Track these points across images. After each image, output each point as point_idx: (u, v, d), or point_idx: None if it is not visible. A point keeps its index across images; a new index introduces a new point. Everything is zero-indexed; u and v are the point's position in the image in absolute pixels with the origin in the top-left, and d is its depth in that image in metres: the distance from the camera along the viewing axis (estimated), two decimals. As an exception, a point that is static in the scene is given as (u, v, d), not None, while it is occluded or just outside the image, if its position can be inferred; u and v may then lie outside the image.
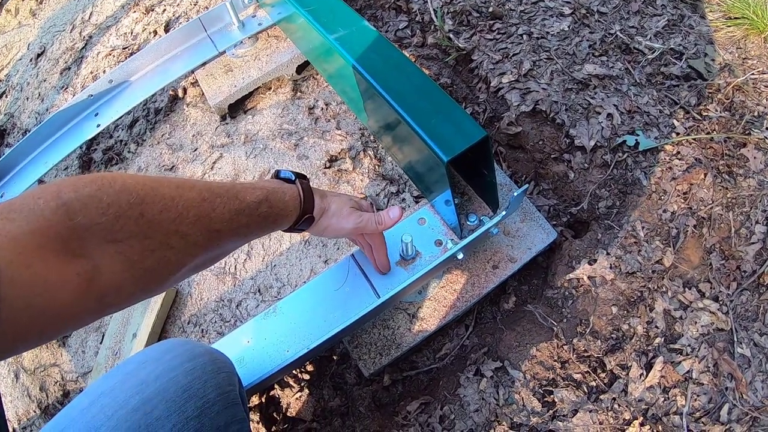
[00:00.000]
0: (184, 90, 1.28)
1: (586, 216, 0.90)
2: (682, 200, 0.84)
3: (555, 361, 0.76)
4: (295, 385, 0.85)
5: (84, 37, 1.57)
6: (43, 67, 1.60)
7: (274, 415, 0.84)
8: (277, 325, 0.76)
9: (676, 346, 0.73)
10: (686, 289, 0.78)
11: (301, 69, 1.20)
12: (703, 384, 0.70)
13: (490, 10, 1.12)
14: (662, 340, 0.74)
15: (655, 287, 0.78)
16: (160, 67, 1.17)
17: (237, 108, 1.20)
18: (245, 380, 0.67)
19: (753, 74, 0.96)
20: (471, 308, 0.83)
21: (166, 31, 1.42)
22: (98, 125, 1.14)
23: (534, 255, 0.82)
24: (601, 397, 0.72)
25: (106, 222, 0.38)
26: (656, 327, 0.75)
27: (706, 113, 0.93)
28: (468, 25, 1.13)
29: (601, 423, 0.70)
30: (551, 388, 0.74)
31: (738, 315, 0.75)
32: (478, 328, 0.85)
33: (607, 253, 0.82)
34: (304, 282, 0.90)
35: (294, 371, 0.86)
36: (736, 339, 0.73)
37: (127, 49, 1.44)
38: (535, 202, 0.93)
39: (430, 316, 0.79)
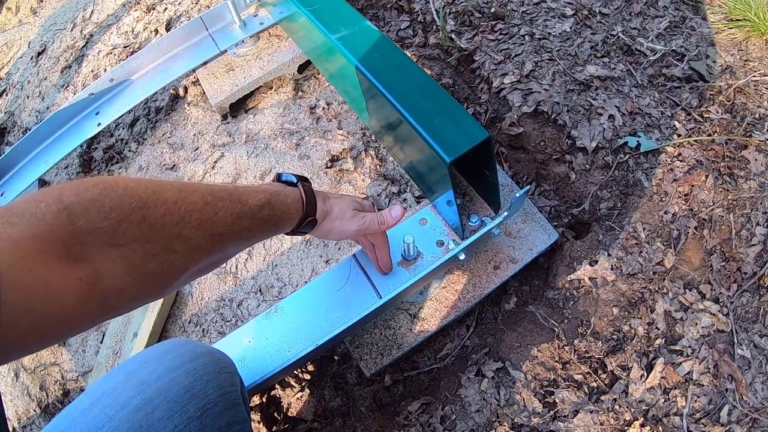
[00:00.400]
0: (185, 89, 1.28)
1: (588, 217, 0.90)
2: (683, 202, 0.85)
3: (556, 361, 0.76)
4: (296, 385, 0.85)
5: (85, 35, 1.57)
6: (44, 65, 1.60)
7: (275, 415, 0.84)
8: (278, 325, 0.76)
9: (677, 348, 0.74)
10: (687, 290, 0.78)
11: (302, 68, 1.20)
12: (703, 385, 0.71)
13: (492, 10, 1.12)
14: (663, 341, 0.74)
15: (656, 288, 0.78)
16: (161, 66, 1.17)
17: (238, 107, 1.20)
18: (246, 380, 0.67)
19: (754, 76, 0.96)
20: (472, 309, 0.83)
21: (168, 29, 1.42)
22: (99, 124, 1.13)
23: (535, 256, 0.82)
24: (602, 397, 0.72)
25: (108, 226, 0.37)
26: (657, 328, 0.76)
27: (707, 115, 0.93)
28: (470, 26, 1.13)
29: (601, 424, 0.70)
30: (552, 389, 0.74)
31: (738, 316, 0.75)
32: (479, 328, 0.85)
33: (608, 255, 0.82)
34: (306, 282, 0.91)
35: (295, 371, 0.86)
36: (736, 340, 0.73)
37: (128, 48, 1.44)
38: (536, 202, 0.93)
39: (432, 316, 0.79)
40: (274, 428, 0.83)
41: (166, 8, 1.48)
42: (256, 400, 0.84)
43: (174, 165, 1.15)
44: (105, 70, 1.42)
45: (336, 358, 0.87)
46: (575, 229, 0.92)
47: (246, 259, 0.97)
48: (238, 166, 1.09)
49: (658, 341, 0.74)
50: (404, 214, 0.68)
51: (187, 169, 1.13)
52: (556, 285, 0.83)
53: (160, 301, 0.93)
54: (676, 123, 0.93)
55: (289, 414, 0.84)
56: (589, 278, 0.81)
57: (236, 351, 0.74)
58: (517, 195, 0.66)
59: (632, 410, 0.70)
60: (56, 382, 1.01)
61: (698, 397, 0.70)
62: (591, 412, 0.70)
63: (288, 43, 1.19)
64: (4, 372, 1.08)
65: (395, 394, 0.83)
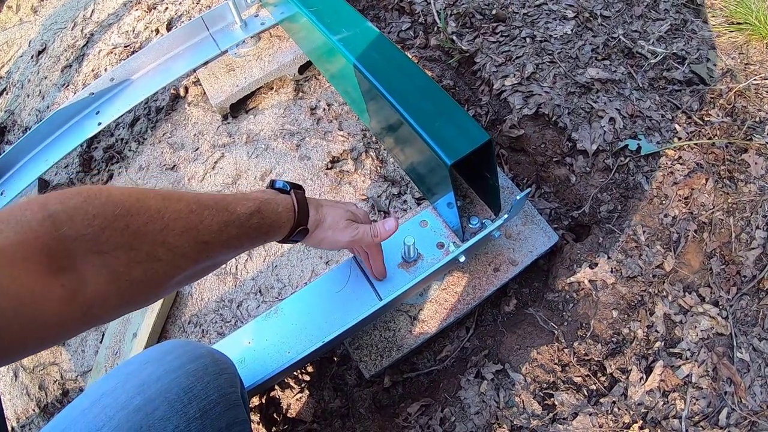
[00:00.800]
0: (186, 89, 1.28)
1: (588, 220, 0.90)
2: (683, 205, 0.85)
3: (555, 364, 0.77)
4: (295, 386, 0.85)
5: (85, 34, 1.57)
6: (44, 64, 1.59)
7: (275, 416, 0.84)
8: (278, 326, 0.76)
9: (676, 351, 0.74)
10: (686, 293, 0.78)
11: (303, 69, 1.20)
12: (702, 388, 0.71)
13: (494, 12, 1.12)
14: (662, 344, 0.75)
15: (656, 291, 0.78)
16: (161, 66, 1.17)
17: (239, 108, 1.20)
18: (246, 381, 0.67)
19: (755, 80, 0.96)
20: (472, 311, 0.83)
21: (168, 29, 1.42)
22: (99, 123, 1.13)
23: (535, 258, 0.82)
24: (601, 400, 0.72)
25: (92, 233, 0.38)
26: (656, 331, 0.76)
27: (707, 118, 0.93)
28: (471, 28, 1.13)
29: (600, 426, 0.70)
30: (551, 391, 0.74)
31: (737, 320, 0.75)
32: (478, 330, 0.85)
33: (608, 257, 0.82)
34: (306, 283, 0.91)
35: (294, 372, 0.86)
36: (735, 344, 0.73)
37: (128, 48, 1.44)
38: (536, 205, 0.93)
39: (431, 318, 0.79)
40: (274, 429, 0.83)
41: (167, 8, 1.48)
42: (255, 401, 0.84)
43: (174, 165, 1.15)
44: (105, 69, 1.42)
45: (335, 359, 0.87)
46: (575, 231, 0.92)
47: (246, 260, 0.97)
48: (239, 167, 1.08)
49: (657, 344, 0.75)
50: (398, 227, 0.67)
51: (187, 169, 1.13)
52: (555, 287, 0.83)
53: (160, 301, 0.93)
54: (677, 126, 0.93)
55: (288, 415, 0.84)
56: (589, 281, 0.81)
57: (236, 352, 0.74)
58: (518, 197, 0.66)
59: (631, 413, 0.70)
60: (55, 381, 1.01)
61: (697, 400, 0.70)
62: (590, 415, 0.71)
63: (289, 44, 1.19)
64: (3, 371, 1.08)
65: (394, 395, 0.83)
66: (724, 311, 0.76)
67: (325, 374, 0.86)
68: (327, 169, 1.03)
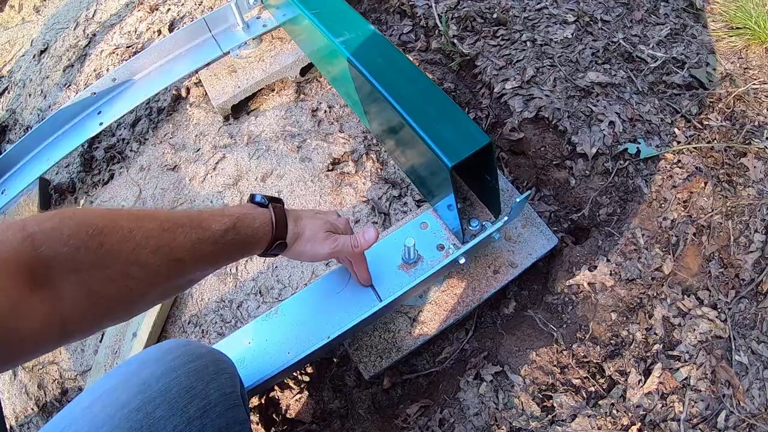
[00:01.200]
0: (188, 90, 1.29)
1: (587, 222, 0.91)
2: (682, 208, 0.85)
3: (554, 366, 0.77)
4: (294, 386, 0.85)
5: (88, 34, 1.57)
6: (46, 64, 1.60)
7: (274, 416, 0.84)
8: (278, 327, 0.76)
9: (675, 353, 0.74)
10: (685, 296, 0.78)
11: (304, 71, 1.20)
12: (700, 391, 0.71)
13: (495, 16, 1.12)
14: (661, 346, 0.75)
15: (655, 294, 0.79)
16: (163, 67, 1.18)
17: (240, 109, 1.21)
18: (246, 381, 0.67)
19: (754, 84, 0.97)
20: (471, 313, 0.83)
21: (171, 30, 1.42)
22: (101, 123, 1.14)
23: (535, 260, 0.82)
24: (600, 402, 0.72)
25: (68, 252, 0.40)
26: (655, 334, 0.76)
27: (707, 122, 0.94)
28: (472, 31, 1.14)
29: (599, 428, 0.70)
30: (550, 393, 0.74)
31: (736, 323, 0.75)
32: (478, 332, 0.86)
33: (608, 260, 0.82)
34: (306, 284, 0.91)
35: (294, 373, 0.86)
36: (733, 346, 0.73)
37: (130, 48, 1.44)
38: (536, 208, 0.93)
39: (431, 320, 0.79)
40: (273, 429, 0.83)
41: (169, 9, 1.49)
42: (254, 401, 0.84)
43: (175, 165, 1.15)
44: (107, 69, 1.42)
45: (335, 360, 0.87)
46: (575, 234, 0.92)
47: (246, 261, 0.97)
48: (240, 168, 1.09)
49: (656, 347, 0.75)
50: (378, 236, 0.68)
51: (188, 170, 1.13)
52: (555, 290, 0.84)
53: (160, 301, 0.93)
54: (676, 130, 0.93)
55: (287, 415, 0.84)
56: (588, 283, 0.81)
57: (236, 352, 0.74)
58: (518, 200, 0.67)
59: (630, 415, 0.70)
60: (54, 380, 1.01)
61: (696, 402, 0.70)
62: (589, 417, 0.71)
63: (290, 46, 1.20)
64: (3, 370, 1.07)
65: (394, 396, 0.83)
66: (722, 314, 0.76)
67: (325, 375, 0.86)
68: (328, 170, 1.03)
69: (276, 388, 0.86)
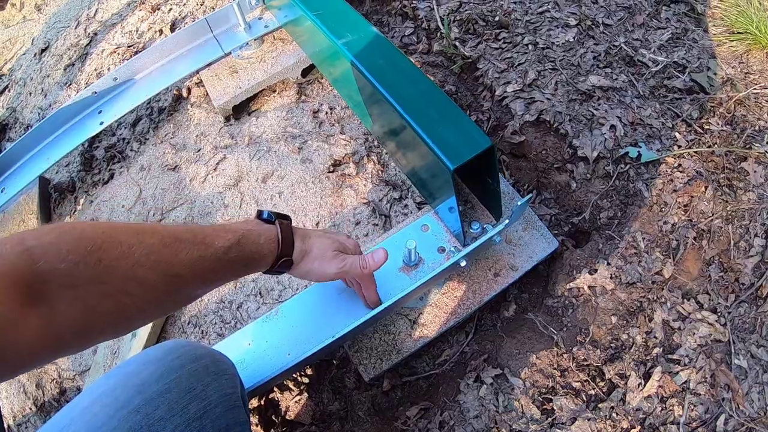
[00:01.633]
0: (189, 90, 1.29)
1: (588, 226, 0.91)
2: (683, 212, 0.85)
3: (554, 369, 0.77)
4: (294, 388, 0.85)
5: (89, 33, 1.57)
6: (47, 62, 1.60)
7: (273, 418, 0.84)
8: (278, 328, 0.76)
9: (674, 357, 0.74)
10: (685, 300, 0.78)
11: (306, 72, 1.20)
12: (700, 394, 0.71)
13: (497, 19, 1.13)
14: (661, 350, 0.75)
15: (655, 298, 0.79)
16: (164, 67, 1.18)
17: (241, 109, 1.21)
18: (246, 383, 0.67)
19: (755, 89, 0.97)
20: (471, 315, 0.83)
21: (172, 30, 1.42)
22: (101, 123, 1.14)
23: (535, 264, 0.82)
24: (600, 405, 0.72)
25: (66, 268, 0.40)
26: (655, 337, 0.76)
27: (707, 126, 0.94)
28: (474, 34, 1.14)
29: (599, 431, 0.70)
30: (550, 396, 0.74)
31: (735, 327, 0.76)
32: (478, 335, 0.86)
33: (608, 263, 0.82)
34: (306, 286, 0.91)
35: (294, 374, 0.86)
36: (733, 350, 0.74)
37: (132, 48, 1.44)
38: (537, 211, 0.93)
39: (431, 322, 0.79)
40: (272, 431, 0.82)
41: (171, 9, 1.49)
42: (254, 402, 0.84)
43: (176, 166, 1.15)
44: (108, 69, 1.42)
45: (335, 362, 0.87)
46: (575, 237, 0.92)
47: (246, 261, 0.97)
48: (240, 169, 1.09)
49: (655, 350, 0.75)
50: (387, 258, 0.66)
51: (189, 170, 1.13)
52: (555, 293, 0.84)
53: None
54: (677, 134, 0.94)
55: (287, 417, 0.83)
56: (589, 287, 0.81)
57: (236, 353, 0.74)
58: (519, 203, 0.67)
59: (629, 418, 0.70)
60: (53, 380, 1.00)
61: (695, 406, 0.70)
62: (589, 420, 0.71)
63: (292, 47, 1.20)
64: (1, 370, 1.07)
65: (393, 399, 0.83)
66: (722, 318, 0.76)
67: (324, 377, 0.86)
68: (329, 172, 1.03)
69: (275, 389, 0.86)
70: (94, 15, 1.64)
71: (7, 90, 1.65)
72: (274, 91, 1.22)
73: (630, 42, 1.07)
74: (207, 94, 1.23)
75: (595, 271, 0.82)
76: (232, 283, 0.95)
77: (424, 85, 0.75)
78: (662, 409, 0.71)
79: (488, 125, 1.04)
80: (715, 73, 1.02)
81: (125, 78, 1.16)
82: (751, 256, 0.80)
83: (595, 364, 0.76)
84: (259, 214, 0.61)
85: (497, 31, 1.12)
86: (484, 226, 0.82)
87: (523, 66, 1.04)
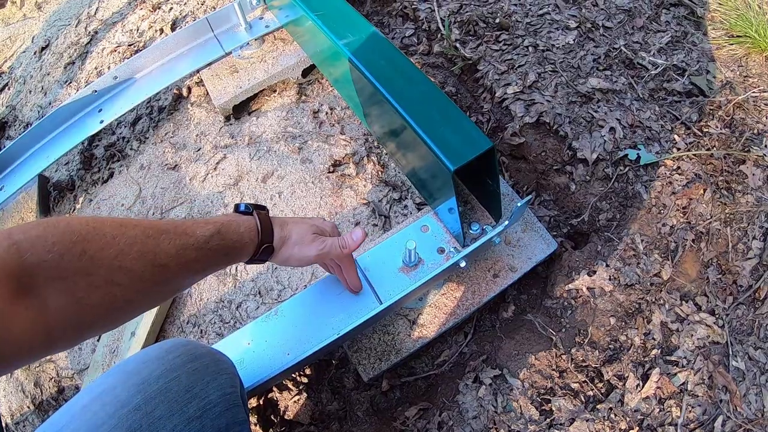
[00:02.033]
0: (189, 89, 1.29)
1: (587, 228, 0.91)
2: (681, 214, 0.86)
3: (553, 370, 0.77)
4: (293, 388, 0.85)
5: (89, 32, 1.57)
6: (47, 60, 1.60)
7: (272, 417, 0.84)
8: (278, 328, 0.76)
9: (673, 358, 0.74)
10: (683, 302, 0.79)
11: (306, 72, 1.20)
12: (697, 396, 0.71)
13: (497, 21, 1.13)
14: (659, 351, 0.75)
15: (653, 299, 0.79)
16: (165, 66, 1.18)
17: (241, 109, 1.21)
18: (245, 382, 0.67)
19: (754, 92, 0.98)
20: (471, 316, 0.84)
21: (173, 29, 1.42)
22: (101, 121, 1.14)
23: (534, 265, 0.82)
24: (598, 406, 0.72)
25: (52, 259, 0.40)
26: (653, 339, 0.76)
27: (706, 129, 0.94)
28: (474, 35, 1.14)
29: (597, 433, 0.70)
30: (549, 397, 0.74)
31: (733, 329, 0.76)
32: (477, 335, 0.86)
33: (607, 265, 0.83)
34: (305, 285, 0.91)
35: (293, 374, 0.86)
36: (731, 352, 0.74)
37: (132, 46, 1.44)
38: (536, 212, 0.94)
39: (430, 322, 0.79)
40: (271, 431, 0.82)
41: (171, 8, 1.49)
42: (253, 402, 0.84)
43: (176, 165, 1.15)
44: (109, 67, 1.42)
45: (334, 362, 0.87)
46: (574, 239, 0.93)
47: (246, 261, 0.97)
48: (240, 168, 1.09)
49: (654, 352, 0.75)
50: (365, 237, 0.68)
51: (188, 170, 1.13)
52: (554, 294, 0.84)
53: (159, 300, 0.93)
54: (676, 137, 0.94)
55: (285, 417, 0.83)
56: (587, 288, 0.82)
57: (235, 353, 0.74)
58: (519, 204, 0.67)
59: (628, 419, 0.71)
60: (51, 379, 1.00)
61: (693, 407, 0.71)
62: (587, 421, 0.71)
63: (293, 47, 1.20)
64: (-1, 368, 1.07)
65: (392, 399, 0.83)
66: (720, 320, 0.76)
67: (323, 377, 0.86)
68: (328, 172, 1.04)
69: (274, 389, 0.86)
70: (95, 13, 1.64)
71: (6, 88, 1.64)
72: (275, 91, 1.22)
73: (630, 45, 1.08)
74: (207, 93, 1.23)
75: (594, 272, 0.82)
76: (231, 282, 0.95)
77: (425, 86, 0.75)
78: (660, 411, 0.71)
79: (488, 127, 1.05)
80: (714, 76, 1.02)
81: (125, 77, 1.16)
82: (749, 258, 0.80)
83: (593, 365, 0.76)
84: (237, 207, 0.63)
85: (498, 32, 1.12)
86: (484, 227, 0.82)
87: (523, 68, 1.04)
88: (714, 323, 0.76)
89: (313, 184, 1.03)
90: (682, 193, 0.87)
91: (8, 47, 1.79)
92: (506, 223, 0.72)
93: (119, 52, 1.45)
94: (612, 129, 0.94)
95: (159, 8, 1.51)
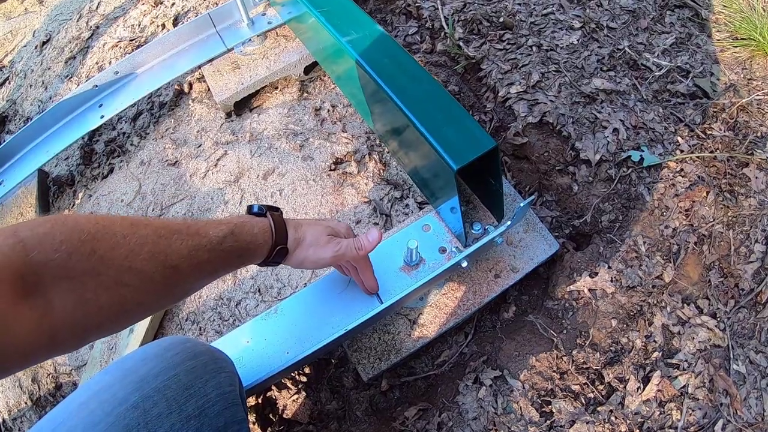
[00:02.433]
0: (190, 85, 1.28)
1: (589, 229, 0.91)
2: (684, 217, 0.85)
3: (554, 371, 0.77)
4: (292, 386, 0.85)
5: (91, 26, 1.56)
6: (48, 55, 1.59)
7: (271, 416, 0.84)
8: (277, 327, 0.76)
9: (673, 361, 0.74)
10: (685, 304, 0.78)
11: (308, 69, 1.20)
12: (698, 399, 0.71)
13: (501, 20, 1.12)
14: (660, 354, 0.75)
15: (655, 302, 0.79)
16: (166, 61, 1.17)
17: (243, 106, 1.20)
18: (244, 381, 0.66)
19: (757, 95, 0.97)
20: (471, 316, 0.83)
21: (175, 25, 1.42)
22: (102, 116, 1.13)
23: (536, 266, 0.82)
24: (599, 409, 0.72)
25: (60, 258, 0.39)
26: (654, 341, 0.76)
27: (710, 132, 0.94)
28: (478, 34, 1.14)
29: (597, 435, 0.70)
30: (549, 399, 0.74)
31: (735, 332, 0.76)
32: (477, 336, 0.85)
33: (608, 267, 0.82)
34: (305, 284, 0.90)
35: (292, 373, 0.86)
36: (732, 356, 0.74)
37: (134, 42, 1.43)
38: (538, 213, 0.93)
39: (431, 322, 0.79)
40: (269, 430, 0.82)
41: (173, 3, 1.48)
42: (252, 401, 0.84)
43: (176, 161, 1.14)
44: (110, 62, 1.41)
45: (333, 361, 0.86)
46: (576, 240, 0.92)
47: (246, 258, 0.96)
48: (241, 165, 1.08)
49: (655, 354, 0.75)
50: (381, 238, 0.66)
51: (189, 166, 1.12)
52: (555, 295, 0.83)
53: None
54: (679, 139, 0.94)
55: (284, 416, 0.83)
56: (589, 290, 0.81)
57: (234, 351, 0.74)
58: (521, 205, 0.66)
59: (628, 422, 0.70)
60: (49, 375, 1.00)
61: (693, 410, 0.70)
62: (587, 423, 0.71)
63: (295, 44, 1.19)
64: (-4, 363, 1.06)
65: (392, 399, 0.83)
66: (721, 323, 0.76)
67: (323, 376, 0.85)
68: (330, 170, 1.03)
69: (273, 388, 0.85)
70: (96, 8, 1.63)
71: (7, 82, 1.64)
72: (276, 88, 1.21)
73: (634, 46, 1.07)
74: (209, 89, 1.22)
75: (596, 274, 0.82)
76: (231, 280, 0.95)
77: (429, 84, 0.74)
78: (660, 414, 0.71)
79: (491, 126, 1.04)
80: (718, 79, 1.02)
81: (126, 72, 1.15)
82: (752, 261, 0.80)
83: (594, 368, 0.76)
84: (250, 208, 0.61)
85: (501, 32, 1.11)
86: (486, 227, 0.82)
87: (526, 67, 1.04)
88: (715, 326, 0.76)
89: (314, 182, 1.02)
90: (684, 196, 0.87)
91: (9, 41, 1.78)
92: (508, 223, 0.72)
93: (120, 47, 1.44)
94: (615, 130, 0.94)
95: (161, 3, 1.50)
